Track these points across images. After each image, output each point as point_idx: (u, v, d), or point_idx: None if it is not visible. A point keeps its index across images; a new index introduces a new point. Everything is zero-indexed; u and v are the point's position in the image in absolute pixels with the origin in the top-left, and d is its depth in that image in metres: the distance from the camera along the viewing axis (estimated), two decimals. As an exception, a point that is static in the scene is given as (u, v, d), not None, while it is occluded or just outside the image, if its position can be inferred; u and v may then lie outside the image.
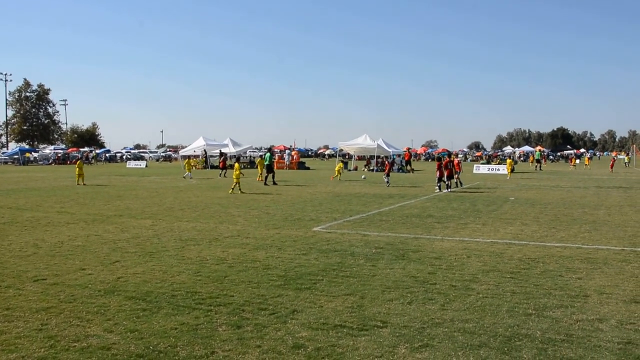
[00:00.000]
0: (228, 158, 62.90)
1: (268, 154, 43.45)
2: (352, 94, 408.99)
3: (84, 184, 39.81)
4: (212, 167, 73.89)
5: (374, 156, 68.70)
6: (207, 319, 8.79)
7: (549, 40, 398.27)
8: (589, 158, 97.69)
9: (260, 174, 42.95)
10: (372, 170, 65.98)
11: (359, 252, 14.35)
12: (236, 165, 35.21)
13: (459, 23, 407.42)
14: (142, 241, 16.13)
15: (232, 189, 33.50)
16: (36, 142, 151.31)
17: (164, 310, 9.31)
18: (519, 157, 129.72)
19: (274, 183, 40.99)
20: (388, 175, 39.80)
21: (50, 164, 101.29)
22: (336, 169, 48.04)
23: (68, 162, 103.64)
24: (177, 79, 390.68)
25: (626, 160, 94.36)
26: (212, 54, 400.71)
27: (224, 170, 53.75)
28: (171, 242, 16.01)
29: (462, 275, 11.89)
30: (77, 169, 41.88)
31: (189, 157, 63.55)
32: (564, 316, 9.01)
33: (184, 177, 48.26)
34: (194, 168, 71.55)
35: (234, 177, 33.99)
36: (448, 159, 37.33)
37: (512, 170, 54.56)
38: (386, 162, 41.47)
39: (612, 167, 72.00)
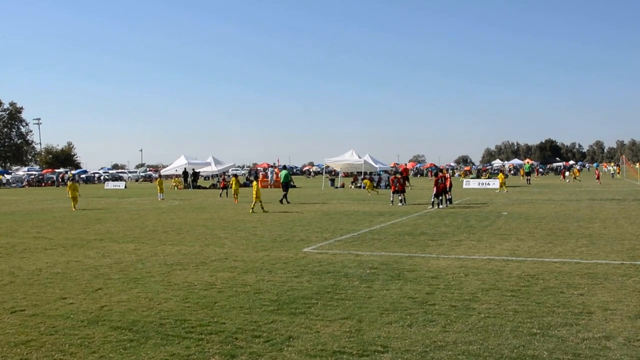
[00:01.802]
0: (221, 175, 62.74)
1: (284, 172, 43.81)
2: (336, 108, 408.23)
3: (75, 209, 38.12)
4: (195, 187, 73.52)
5: (361, 172, 68.52)
6: (198, 349, 8.62)
7: (536, 51, 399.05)
8: (578, 170, 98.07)
9: (236, 195, 43.00)
10: (359, 187, 65.93)
11: (353, 273, 14.23)
12: (254, 183, 35.24)
13: (443, 33, 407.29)
14: (125, 267, 15.91)
15: (253, 208, 33.52)
16: (8, 164, 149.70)
17: (152, 340, 9.12)
18: (509, 170, 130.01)
19: (287, 202, 41.03)
20: (395, 192, 38.44)
21: (23, 186, 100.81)
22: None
23: (43, 185, 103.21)
24: (155, 95, 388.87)
25: (612, 172, 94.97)
26: (192, 69, 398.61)
27: (224, 190, 53.39)
28: (156, 267, 15.80)
29: (462, 294, 11.80)
30: (71, 191, 39.70)
31: (160, 176, 63.04)
32: (570, 335, 8.93)
33: (160, 200, 47.95)
34: (175, 188, 71.62)
35: (253, 195, 33.81)
36: (442, 174, 37.38)
37: (504, 184, 54.76)
38: (391, 179, 40.91)
39: (598, 178, 73.40)
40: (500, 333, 9.08)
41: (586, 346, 8.39)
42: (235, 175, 48.19)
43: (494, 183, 61.13)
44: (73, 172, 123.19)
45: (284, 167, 49.51)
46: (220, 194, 52.89)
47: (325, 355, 8.26)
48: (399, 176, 40.05)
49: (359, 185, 66.86)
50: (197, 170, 75.88)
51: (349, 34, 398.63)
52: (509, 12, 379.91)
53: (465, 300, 11.32)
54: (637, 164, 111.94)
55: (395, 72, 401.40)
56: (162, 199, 48.37)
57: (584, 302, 10.99)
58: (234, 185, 43.91)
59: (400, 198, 37.49)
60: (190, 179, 73.81)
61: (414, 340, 8.82)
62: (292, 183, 45.72)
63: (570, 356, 8.00)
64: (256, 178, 38.17)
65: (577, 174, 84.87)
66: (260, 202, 33.68)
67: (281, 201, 40.90)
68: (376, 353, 8.30)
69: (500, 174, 61.40)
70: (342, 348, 8.52)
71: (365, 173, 68.67)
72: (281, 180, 43.13)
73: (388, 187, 61.39)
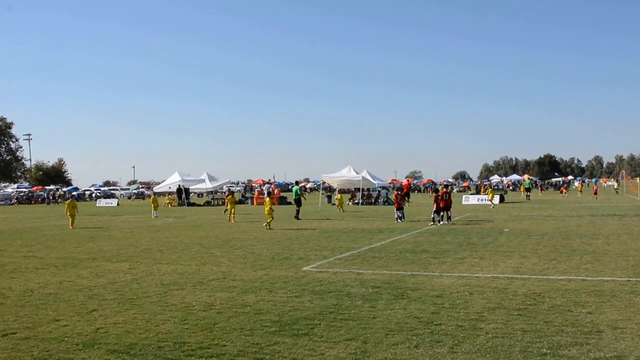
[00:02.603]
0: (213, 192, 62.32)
1: (296, 188, 45.10)
2: (330, 125, 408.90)
3: (72, 227, 37.50)
4: (190, 204, 73.30)
5: (359, 189, 68.45)
6: (200, 372, 8.52)
7: (533, 65, 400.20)
8: (581, 184, 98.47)
9: (232, 214, 41.28)
10: (357, 203, 65.89)
11: (355, 293, 14.13)
12: (267, 200, 35.24)
13: (440, 49, 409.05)
14: (120, 287, 15.74)
15: (268, 224, 33.66)
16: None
17: (151, 364, 9.00)
18: (508, 186, 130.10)
19: (297, 218, 41.81)
20: (399, 209, 38.19)
21: (13, 204, 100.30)
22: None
23: (33, 202, 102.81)
24: (147, 111, 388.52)
25: (615, 187, 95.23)
26: (183, 87, 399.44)
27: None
28: (152, 287, 15.64)
29: (467, 314, 11.71)
30: (69, 208, 38.86)
31: (154, 194, 62.84)
32: (581, 355, 8.84)
33: (154, 217, 47.84)
34: (169, 205, 71.38)
35: (266, 213, 33.89)
36: (445, 190, 37.35)
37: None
38: (394, 196, 40.76)
39: (596, 193, 75.14)
40: (509, 354, 8.99)
41: (598, 366, 8.32)
42: (232, 193, 48.05)
43: (494, 199, 61.30)
44: (64, 189, 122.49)
45: (296, 183, 50.03)
46: (225, 210, 52.68)
47: (331, 378, 8.18)
48: (402, 193, 40.02)
49: (357, 201, 66.81)
50: (187, 187, 75.49)
51: (344, 51, 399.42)
52: (505, 27, 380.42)
53: (471, 319, 11.23)
54: (638, 178, 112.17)
55: (391, 88, 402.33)
56: (156, 216, 48.29)
57: (593, 320, 10.91)
58: (229, 205, 42.07)
59: (399, 215, 37.43)
60: (184, 195, 73.60)
61: (422, 362, 8.73)
62: (304, 198, 45.72)
63: (582, 377, 7.93)
64: (269, 194, 37.59)
65: (581, 189, 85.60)
66: (272, 218, 33.78)
67: (296, 217, 42.14)
68: (384, 375, 8.22)
69: (490, 189, 61.90)
70: (348, 370, 8.43)
71: (363, 189, 68.63)
72: (293, 197, 44.30)
73: (386, 203, 61.76)
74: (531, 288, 14.19)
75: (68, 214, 38.68)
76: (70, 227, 37.43)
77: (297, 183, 50.61)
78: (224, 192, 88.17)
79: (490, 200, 56.01)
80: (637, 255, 19.51)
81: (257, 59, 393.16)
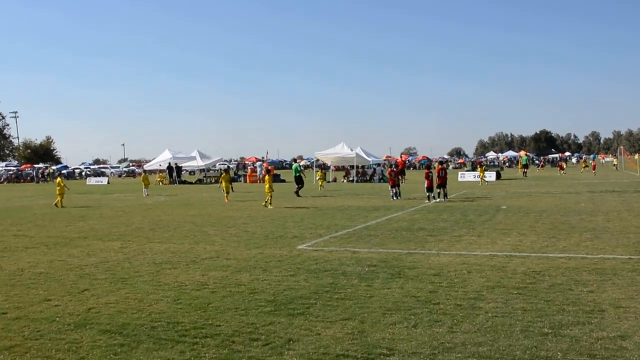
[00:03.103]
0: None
1: (295, 165, 45.73)
2: (324, 103, 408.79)
3: (62, 206, 37.10)
4: (182, 182, 73.07)
5: (353, 166, 68.21)
6: (193, 354, 8.39)
7: (526, 44, 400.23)
8: (584, 161, 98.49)
9: (227, 194, 40.12)
10: (352, 180, 65.72)
11: (351, 271, 14.02)
12: (267, 178, 34.75)
13: (431, 29, 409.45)
14: (111, 266, 15.63)
15: (266, 202, 33.41)
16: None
17: (144, 344, 8.87)
18: (504, 162, 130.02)
19: (298, 195, 42.35)
20: (393, 187, 37.93)
21: (1, 182, 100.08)
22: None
23: (22, 181, 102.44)
24: (137, 88, 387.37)
25: (615, 163, 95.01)
26: (173, 64, 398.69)
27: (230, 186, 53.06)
28: (144, 266, 15.54)
29: (466, 292, 11.62)
30: (58, 187, 38.41)
31: (144, 172, 62.59)
32: (583, 334, 8.74)
33: (145, 196, 47.58)
34: (160, 183, 71.17)
35: (266, 190, 33.62)
36: (440, 166, 37.17)
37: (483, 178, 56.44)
38: (388, 173, 40.52)
39: (594, 169, 75.97)
40: (510, 333, 8.90)
41: (601, 346, 8.21)
42: (227, 170, 47.80)
43: (490, 176, 61.19)
44: (54, 167, 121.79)
45: (294, 160, 49.94)
46: (219, 186, 52.50)
47: (328, 359, 8.06)
48: (396, 169, 39.89)
49: (351, 179, 66.64)
50: (180, 165, 75.25)
51: (341, 34, 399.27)
52: (500, 11, 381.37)
53: (470, 298, 11.14)
54: (636, 155, 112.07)
55: (389, 70, 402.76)
56: (147, 194, 48.04)
57: (595, 299, 10.82)
58: (224, 182, 40.68)
59: (395, 192, 37.33)
60: (175, 173, 73.37)
61: (421, 342, 8.62)
62: (304, 175, 45.87)
63: (585, 357, 7.82)
64: (268, 172, 37.07)
65: (585, 165, 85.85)
66: (271, 198, 33.43)
67: (296, 193, 42.78)
68: (382, 356, 8.10)
69: (479, 167, 61.81)
70: (345, 351, 8.31)
71: (358, 166, 68.41)
72: (294, 175, 44.69)
73: (382, 181, 61.64)
74: (530, 266, 14.09)
75: (57, 192, 38.19)
76: (60, 206, 37.02)
77: (295, 160, 50.50)
78: (217, 170, 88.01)
79: (481, 178, 55.81)
80: (638, 232, 19.41)
81: (250, 37, 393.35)
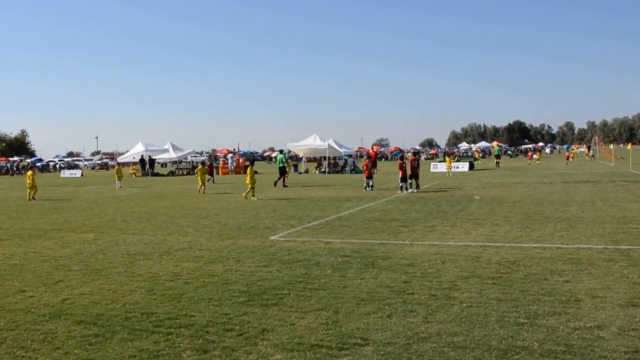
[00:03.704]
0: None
1: (281, 156, 45.78)
2: (297, 95, 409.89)
3: (34, 199, 36.79)
4: (154, 174, 72.86)
5: (325, 157, 68.20)
6: (168, 344, 8.35)
7: (500, 34, 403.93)
8: (574, 151, 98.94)
9: (201, 185, 39.51)
10: (324, 172, 65.70)
11: (325, 262, 14.00)
12: (249, 169, 34.29)
13: (402, 21, 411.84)
14: (85, 257, 15.56)
15: (246, 194, 33.19)
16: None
17: (118, 335, 8.83)
18: (478, 153, 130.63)
19: (285, 185, 42.95)
20: (369, 178, 37.96)
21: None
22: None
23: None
24: (109, 82, 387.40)
25: (592, 154, 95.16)
26: (146, 58, 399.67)
27: (212, 177, 52.97)
28: (118, 257, 15.48)
29: (440, 283, 11.62)
30: (29, 180, 37.81)
31: (118, 164, 62.43)
32: (560, 324, 8.76)
33: (118, 188, 47.34)
34: (133, 176, 70.98)
35: (247, 182, 33.30)
36: (413, 157, 37.22)
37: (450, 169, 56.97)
38: (364, 164, 40.58)
39: (567, 160, 76.48)
40: (485, 323, 8.90)
41: (578, 336, 8.22)
42: (203, 163, 47.76)
43: (463, 166, 61.49)
44: (28, 160, 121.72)
45: (281, 152, 50.12)
46: (208, 179, 52.41)
47: (302, 349, 8.02)
48: (369, 161, 40.02)
49: (323, 170, 66.62)
50: (153, 158, 75.07)
51: (313, 28, 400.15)
52: (472, 1, 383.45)
53: (444, 289, 11.14)
54: (611, 144, 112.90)
55: (360, 62, 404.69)
56: (120, 186, 47.91)
57: (571, 289, 10.85)
58: (199, 174, 40.17)
59: (368, 183, 37.34)
60: (148, 166, 73.20)
61: (395, 332, 8.61)
62: (289, 167, 46.10)
63: (562, 347, 7.82)
64: (252, 163, 36.58)
65: (573, 155, 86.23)
66: (253, 190, 33.06)
67: (277, 184, 43.50)
68: (356, 346, 8.07)
69: (447, 157, 62.14)
70: (319, 341, 8.28)
71: (329, 158, 68.41)
72: (278, 165, 44.95)
73: (353, 172, 61.72)
74: (505, 256, 14.13)
75: (28, 185, 37.72)
76: (28, 200, 36.70)
77: (281, 152, 50.71)
78: (189, 162, 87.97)
79: (448, 169, 56.02)
80: (614, 222, 19.54)
81: (219, 32, 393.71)
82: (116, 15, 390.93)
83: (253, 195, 32.65)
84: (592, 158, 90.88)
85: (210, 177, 52.34)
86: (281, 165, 44.64)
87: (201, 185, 39.06)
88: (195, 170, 44.63)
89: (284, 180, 43.84)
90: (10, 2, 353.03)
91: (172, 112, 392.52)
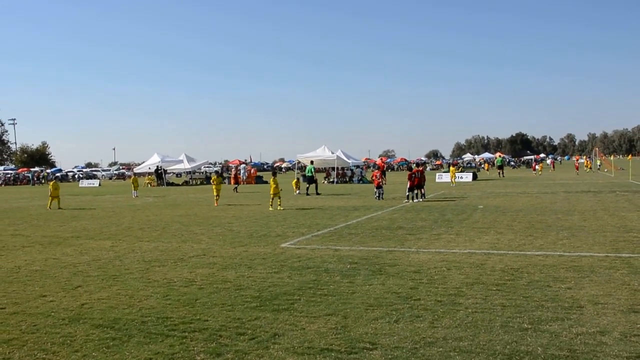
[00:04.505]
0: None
1: (310, 166, 47.51)
2: (304, 108, 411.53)
3: (60, 208, 36.60)
4: (169, 184, 73.11)
5: (334, 168, 68.22)
6: (182, 347, 8.34)
7: (502, 50, 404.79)
8: (589, 160, 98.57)
9: (216, 195, 37.06)
10: (332, 182, 65.69)
11: (334, 268, 13.98)
12: (272, 179, 33.31)
13: (410, 37, 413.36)
14: (103, 264, 15.61)
15: (272, 204, 32.34)
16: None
17: (135, 338, 8.83)
18: (480, 164, 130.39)
19: (317, 193, 44.59)
20: (378, 188, 38.01)
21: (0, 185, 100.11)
22: (293, 183, 48.07)
23: (18, 183, 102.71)
24: (126, 96, 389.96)
25: (598, 164, 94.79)
26: (162, 74, 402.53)
27: (237, 185, 54.21)
28: (134, 263, 15.52)
29: (446, 289, 11.58)
30: (52, 189, 37.97)
31: (134, 174, 62.74)
32: (563, 330, 8.71)
33: (134, 197, 47.45)
34: (148, 185, 71.24)
35: (271, 192, 32.41)
36: (417, 168, 37.20)
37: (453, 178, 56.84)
38: (373, 175, 40.70)
39: (577, 169, 77.49)
40: (490, 328, 8.85)
41: (581, 342, 8.17)
42: (217, 173, 47.74)
43: (467, 177, 61.39)
44: (48, 170, 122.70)
45: (311, 163, 50.79)
46: (235, 188, 52.50)
47: (312, 352, 8.00)
48: (378, 171, 40.15)
49: (331, 180, 66.59)
50: (164, 168, 75.48)
51: (326, 46, 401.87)
52: (477, 17, 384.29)
53: (450, 295, 11.10)
54: (611, 156, 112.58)
55: (368, 76, 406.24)
56: (137, 196, 48.14)
57: (573, 296, 10.79)
58: (215, 185, 37.57)
59: (380, 192, 37.64)
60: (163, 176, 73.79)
61: (403, 337, 8.57)
62: (315, 177, 47.35)
63: (565, 352, 7.78)
64: (275, 174, 35.61)
65: (589, 165, 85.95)
66: (279, 198, 32.43)
67: (317, 193, 44.68)
68: (365, 350, 8.05)
69: (452, 167, 62.02)
70: (329, 345, 8.26)
71: (338, 168, 68.43)
72: (307, 174, 47.01)
73: (361, 182, 61.68)
74: (508, 264, 14.07)
75: (50, 194, 37.82)
76: (48, 208, 36.84)
77: (312, 163, 51.43)
78: (202, 173, 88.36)
79: (452, 179, 55.84)
80: (615, 231, 19.44)
81: (232, 48, 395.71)
82: (133, 33, 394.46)
83: (279, 205, 32.04)
84: (597, 168, 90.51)
85: (235, 185, 52.65)
86: (310, 174, 46.49)
87: (216, 196, 36.86)
88: (211, 181, 42.72)
89: (316, 188, 45.48)
90: (32, 20, 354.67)
91: (187, 125, 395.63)
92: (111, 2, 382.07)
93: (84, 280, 13.50)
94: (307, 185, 45.30)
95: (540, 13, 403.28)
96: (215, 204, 36.22)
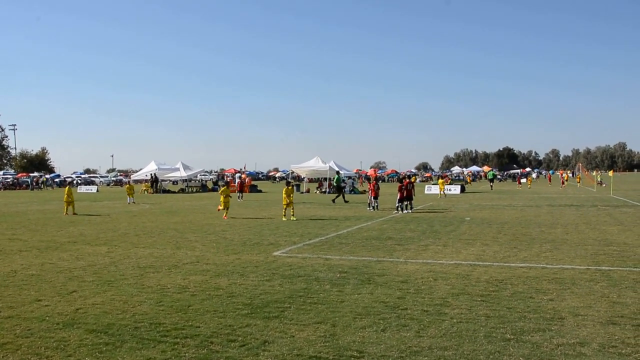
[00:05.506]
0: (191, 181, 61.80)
1: (337, 176, 50.23)
2: (298, 119, 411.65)
3: (75, 214, 36.28)
4: (165, 191, 73.04)
5: (326, 178, 68.25)
6: (174, 353, 8.31)
7: (490, 65, 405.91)
8: (568, 175, 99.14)
9: (224, 207, 32.70)
10: (324, 192, 65.68)
11: (324, 277, 13.96)
12: (285, 189, 31.69)
13: (400, 49, 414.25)
14: (98, 269, 15.54)
15: (285, 214, 31.19)
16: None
17: (127, 344, 8.80)
18: (468, 176, 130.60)
19: (345, 201, 46.16)
20: (375, 198, 37.90)
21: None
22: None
23: (17, 188, 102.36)
24: (125, 103, 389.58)
25: (565, 178, 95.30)
26: (160, 82, 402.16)
27: (241, 193, 54.49)
28: (129, 269, 15.45)
29: (432, 299, 11.57)
30: (66, 195, 37.38)
31: (129, 182, 62.63)
32: (544, 340, 8.72)
33: (130, 203, 47.38)
34: (145, 192, 71.09)
35: (284, 203, 31.23)
36: (408, 180, 37.24)
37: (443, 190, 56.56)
38: (370, 185, 40.70)
39: (563, 183, 78.62)
40: (474, 338, 8.85)
41: (561, 352, 8.18)
42: (226, 183, 47.57)
43: (455, 189, 61.45)
44: (47, 176, 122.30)
45: (337, 173, 51.96)
46: (239, 196, 52.38)
47: (301, 360, 7.99)
48: (375, 182, 40.21)
49: (324, 190, 66.59)
50: (157, 176, 75.34)
51: (317, 56, 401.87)
52: (466, 30, 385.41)
53: (436, 305, 11.09)
54: (594, 171, 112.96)
55: (360, 89, 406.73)
56: (132, 202, 48.06)
57: (555, 307, 10.81)
58: (222, 197, 33.19)
59: (374, 204, 37.72)
60: (159, 183, 73.67)
61: (389, 346, 8.57)
62: (343, 185, 49.83)
63: (546, 362, 7.78)
64: (288, 183, 32.35)
65: (567, 179, 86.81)
66: (292, 209, 31.50)
67: (345, 200, 46.34)
68: (352, 358, 8.04)
69: (441, 179, 62.12)
70: (318, 353, 8.24)
71: (330, 178, 68.42)
72: (334, 184, 49.86)
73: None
74: (493, 275, 14.07)
75: (65, 200, 37.48)
76: (65, 214, 36.65)
77: (338, 173, 52.61)
78: (198, 181, 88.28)
79: (440, 191, 55.76)
80: (596, 244, 19.47)
81: (230, 59, 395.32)
82: (134, 41, 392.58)
83: (292, 215, 31.22)
84: (580, 181, 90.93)
85: (240, 193, 52.56)
86: (337, 184, 49.24)
87: (224, 208, 32.88)
88: (219, 192, 35.18)
89: (343, 197, 47.39)
90: (32, 28, 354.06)
91: (184, 133, 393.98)
92: (111, 10, 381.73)
93: (79, 285, 13.45)
94: (337, 195, 47.79)
95: (529, 28, 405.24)
96: (224, 217, 32.29)
